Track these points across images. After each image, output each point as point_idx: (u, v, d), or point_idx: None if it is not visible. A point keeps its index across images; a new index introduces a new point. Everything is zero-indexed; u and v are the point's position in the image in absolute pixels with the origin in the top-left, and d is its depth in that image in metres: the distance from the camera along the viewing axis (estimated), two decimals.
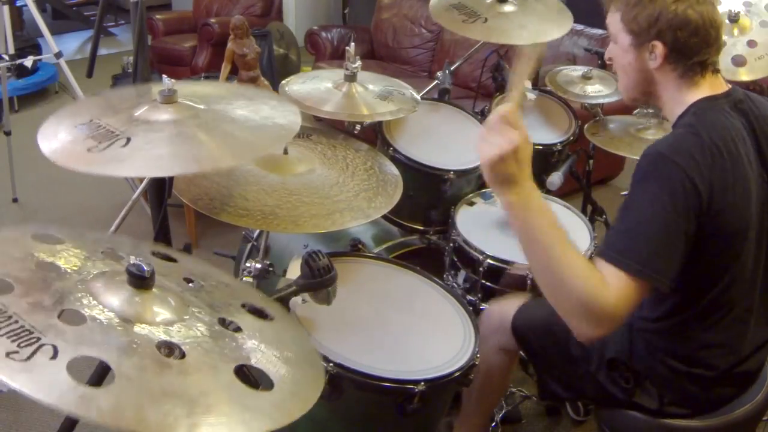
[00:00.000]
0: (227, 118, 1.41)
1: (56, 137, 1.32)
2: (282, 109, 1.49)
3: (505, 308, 1.78)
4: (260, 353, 1.08)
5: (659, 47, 1.41)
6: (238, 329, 1.12)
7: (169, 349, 1.00)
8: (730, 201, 1.35)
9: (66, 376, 0.86)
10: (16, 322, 0.91)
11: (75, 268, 1.09)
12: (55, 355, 0.88)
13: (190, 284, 1.19)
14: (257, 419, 0.94)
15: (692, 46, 1.40)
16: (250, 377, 1.04)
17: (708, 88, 1.44)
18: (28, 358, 0.87)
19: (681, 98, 1.45)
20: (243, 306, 1.20)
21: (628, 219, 1.32)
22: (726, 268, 1.41)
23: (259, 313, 1.20)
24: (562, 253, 1.27)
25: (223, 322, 1.11)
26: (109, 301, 1.03)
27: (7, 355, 0.86)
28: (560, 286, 1.27)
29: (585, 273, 1.26)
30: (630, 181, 1.38)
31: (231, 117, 1.42)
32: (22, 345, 0.88)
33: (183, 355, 1.00)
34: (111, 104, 1.44)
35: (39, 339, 0.90)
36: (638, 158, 1.39)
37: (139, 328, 1.00)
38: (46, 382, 0.85)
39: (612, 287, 1.26)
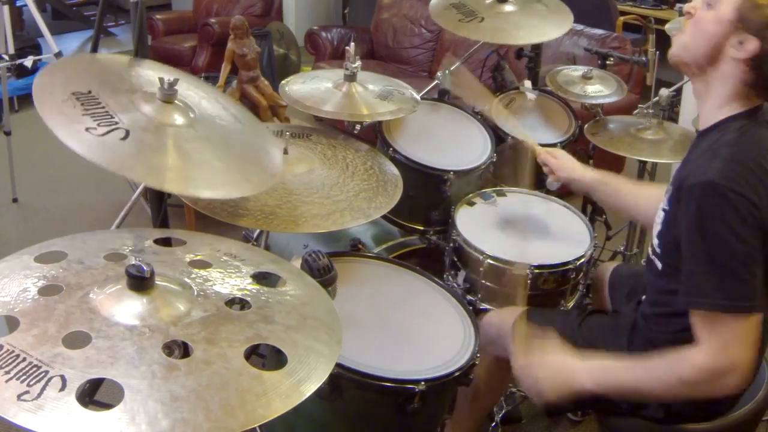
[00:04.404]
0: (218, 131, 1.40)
1: (53, 98, 1.29)
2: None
3: (504, 318, 1.77)
4: (271, 327, 1.09)
5: (752, 45, 1.35)
6: (246, 306, 1.12)
7: (168, 349, 1.00)
8: None
9: (77, 407, 0.88)
10: (24, 360, 0.93)
11: (78, 284, 1.10)
12: (63, 386, 0.90)
13: (198, 267, 1.20)
14: (270, 405, 0.94)
15: None
16: (261, 354, 1.04)
17: (750, 103, 1.41)
18: (39, 395, 0.88)
19: (726, 102, 1.41)
20: (253, 277, 1.20)
21: (712, 261, 1.31)
22: None
23: (270, 280, 1.21)
24: (643, 383, 1.40)
25: (230, 303, 1.12)
26: (112, 312, 1.04)
27: (19, 397, 0.88)
28: (671, 396, 1.39)
29: (664, 377, 1.36)
30: (683, 214, 1.36)
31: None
32: (31, 383, 0.90)
33: (188, 353, 1.00)
34: (109, 78, 1.42)
35: (47, 372, 0.92)
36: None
37: (145, 333, 1.01)
38: (59, 418, 0.86)
39: (710, 340, 1.31)
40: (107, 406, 0.90)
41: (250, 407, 0.92)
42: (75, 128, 1.22)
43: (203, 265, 1.22)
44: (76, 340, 0.98)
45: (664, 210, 1.49)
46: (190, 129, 1.37)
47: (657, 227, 1.52)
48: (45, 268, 1.13)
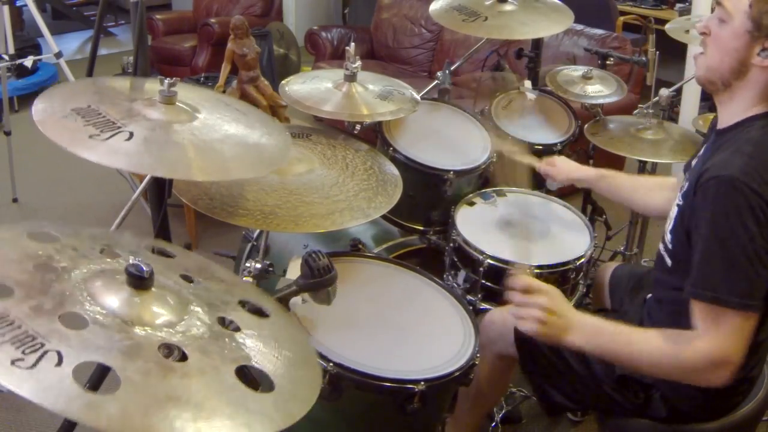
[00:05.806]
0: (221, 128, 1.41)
1: (53, 116, 1.29)
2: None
3: (507, 316, 1.77)
4: (260, 353, 1.08)
5: None
6: (237, 328, 1.12)
7: (168, 349, 1.00)
8: None
9: (72, 383, 0.85)
10: (19, 327, 0.90)
11: (73, 268, 1.08)
12: (60, 362, 0.87)
13: (189, 282, 1.19)
14: (259, 422, 0.94)
15: None
16: (251, 377, 1.04)
17: None
18: (34, 365, 0.86)
19: (753, 104, 1.41)
20: (241, 303, 1.19)
21: (721, 255, 1.32)
22: None
23: (257, 311, 1.20)
24: (635, 349, 1.39)
25: (222, 321, 1.11)
26: (109, 303, 1.03)
27: (12, 362, 0.85)
28: (658, 371, 1.39)
29: (660, 349, 1.36)
30: (699, 206, 1.36)
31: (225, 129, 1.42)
32: (26, 352, 0.87)
33: (184, 357, 0.99)
34: (107, 94, 1.43)
35: (43, 345, 0.89)
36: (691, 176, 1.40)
37: (141, 330, 1.00)
38: (53, 390, 0.84)
39: (710, 330, 1.32)
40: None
41: (241, 421, 0.92)
42: (78, 138, 1.23)
43: (195, 278, 1.21)
44: (72, 323, 0.95)
45: (677, 205, 1.49)
46: (195, 124, 1.37)
47: (670, 223, 1.52)
48: (40, 246, 1.10)
